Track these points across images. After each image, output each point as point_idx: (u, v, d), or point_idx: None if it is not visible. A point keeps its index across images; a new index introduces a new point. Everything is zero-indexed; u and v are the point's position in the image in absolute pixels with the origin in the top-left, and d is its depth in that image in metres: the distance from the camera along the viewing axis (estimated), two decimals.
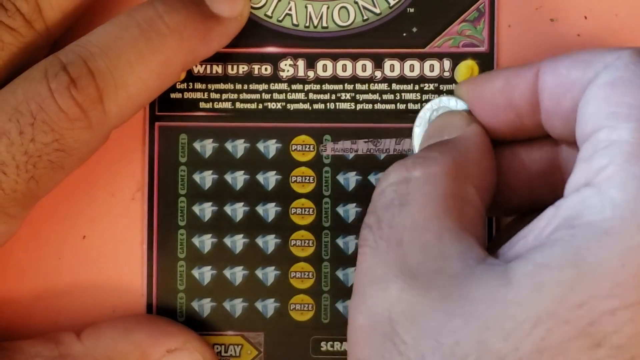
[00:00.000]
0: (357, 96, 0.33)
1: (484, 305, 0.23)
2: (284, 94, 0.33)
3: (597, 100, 0.26)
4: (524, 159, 0.30)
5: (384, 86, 0.33)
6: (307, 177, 0.33)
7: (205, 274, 0.33)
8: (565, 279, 0.23)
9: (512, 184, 0.30)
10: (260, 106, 0.33)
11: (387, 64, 0.33)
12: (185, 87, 0.33)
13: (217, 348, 0.33)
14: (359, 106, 0.33)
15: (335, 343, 0.33)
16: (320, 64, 0.33)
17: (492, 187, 0.29)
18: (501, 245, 0.26)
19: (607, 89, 0.26)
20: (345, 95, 0.33)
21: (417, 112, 0.32)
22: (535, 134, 0.29)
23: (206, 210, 0.33)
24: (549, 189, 0.30)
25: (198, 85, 0.33)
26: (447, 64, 0.33)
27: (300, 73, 0.33)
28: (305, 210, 0.33)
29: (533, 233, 0.25)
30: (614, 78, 0.26)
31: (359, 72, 0.33)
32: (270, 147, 0.33)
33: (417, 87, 0.33)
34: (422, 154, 0.28)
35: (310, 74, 0.33)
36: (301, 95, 0.33)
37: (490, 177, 0.29)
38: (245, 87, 0.33)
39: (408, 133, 0.32)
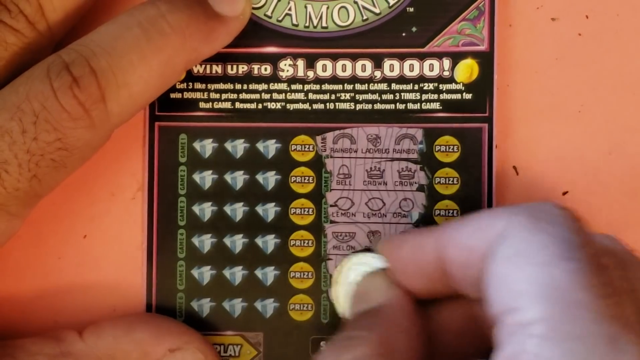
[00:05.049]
0: (357, 96, 0.33)
1: None
2: (283, 94, 0.33)
3: (499, 279, 0.25)
4: (446, 316, 0.30)
5: (383, 86, 0.33)
6: (307, 177, 0.33)
7: (204, 273, 0.33)
8: None
9: (438, 342, 0.30)
10: (260, 106, 0.33)
11: (387, 63, 0.33)
12: (185, 87, 0.33)
13: (217, 348, 0.33)
14: (359, 106, 0.33)
15: None
16: (319, 64, 0.33)
17: (422, 350, 0.29)
18: None
19: (506, 266, 0.25)
20: (345, 95, 0.33)
21: (416, 112, 0.33)
22: (452, 293, 0.29)
23: (206, 210, 0.33)
24: (477, 343, 0.29)
25: (198, 85, 0.33)
26: (446, 63, 0.33)
27: (300, 73, 0.33)
28: (304, 210, 0.33)
29: None
30: (511, 253, 0.25)
31: (359, 72, 0.33)
32: (269, 147, 0.33)
33: (416, 87, 0.33)
34: (350, 334, 0.28)
35: (310, 74, 0.33)
36: (301, 95, 0.33)
37: (418, 341, 0.29)
38: (245, 87, 0.33)
39: (407, 133, 0.33)
